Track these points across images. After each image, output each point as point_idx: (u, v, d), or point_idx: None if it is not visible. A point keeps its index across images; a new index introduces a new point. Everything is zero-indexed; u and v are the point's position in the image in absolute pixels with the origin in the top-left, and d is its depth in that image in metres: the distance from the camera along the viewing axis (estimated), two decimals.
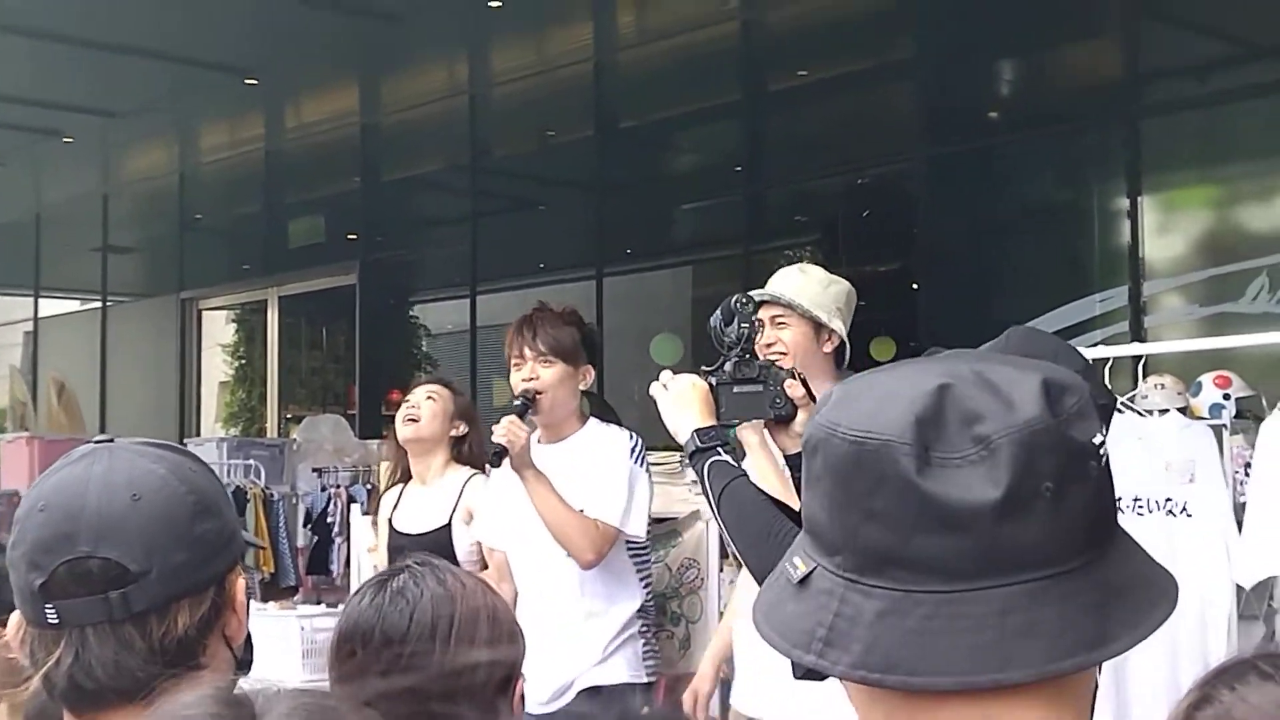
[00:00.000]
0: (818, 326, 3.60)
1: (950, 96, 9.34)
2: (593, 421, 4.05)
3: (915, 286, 9.52)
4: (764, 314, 3.62)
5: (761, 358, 3.36)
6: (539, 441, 4.01)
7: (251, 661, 1.65)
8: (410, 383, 4.74)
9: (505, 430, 3.79)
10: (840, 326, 3.63)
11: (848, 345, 3.64)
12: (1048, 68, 9.27)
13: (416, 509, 4.48)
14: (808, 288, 3.65)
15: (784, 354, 3.58)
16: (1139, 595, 1.07)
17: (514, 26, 10.25)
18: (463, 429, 4.53)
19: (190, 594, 1.54)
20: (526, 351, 3.93)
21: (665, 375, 2.70)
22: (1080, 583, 1.03)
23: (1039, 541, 1.02)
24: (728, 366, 2.73)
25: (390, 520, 4.53)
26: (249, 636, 1.64)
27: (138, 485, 1.54)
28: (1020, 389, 1.03)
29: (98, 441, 1.62)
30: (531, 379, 3.91)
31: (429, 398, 4.50)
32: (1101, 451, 1.05)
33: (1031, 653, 1.01)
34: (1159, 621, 1.07)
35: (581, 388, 4.00)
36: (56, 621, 1.52)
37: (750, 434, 3.51)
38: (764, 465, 3.42)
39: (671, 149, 11.67)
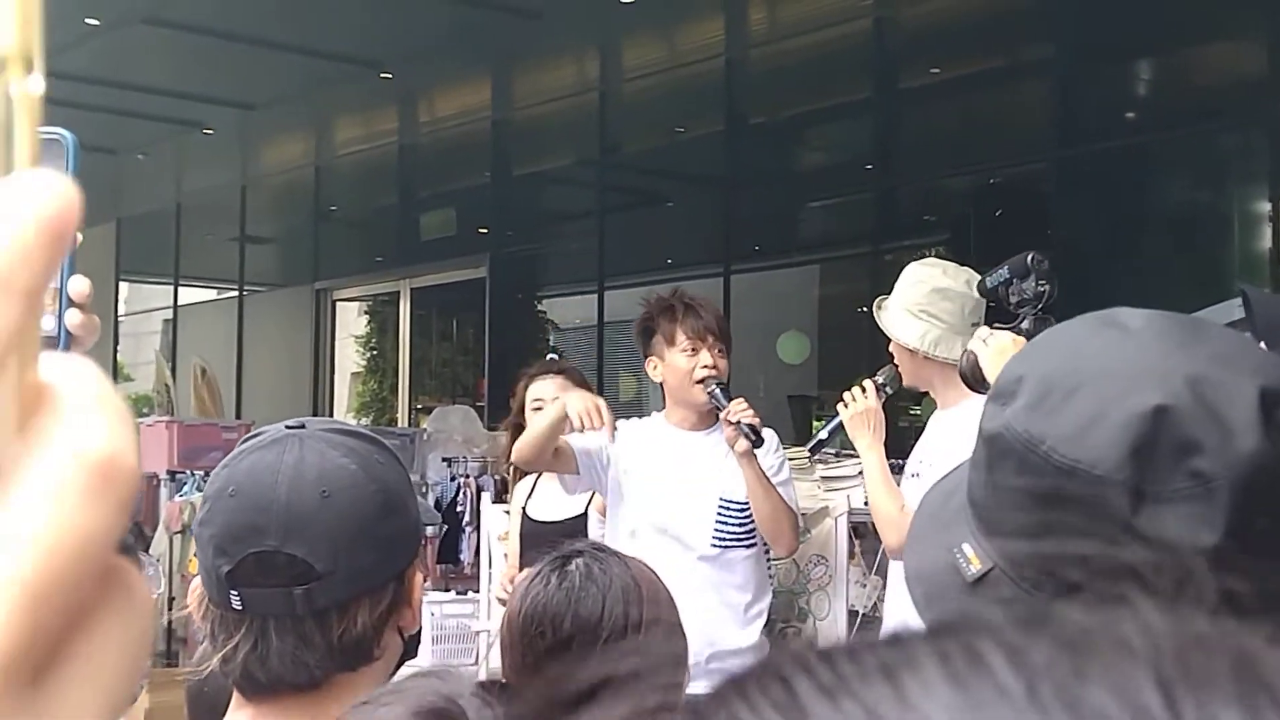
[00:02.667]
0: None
1: (1086, 95, 9.19)
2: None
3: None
4: None
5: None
6: (678, 427, 4.01)
7: (418, 647, 1.65)
8: (528, 371, 4.68)
9: (751, 410, 3.79)
10: (911, 332, 3.60)
11: (936, 342, 3.61)
12: (1187, 66, 9.09)
13: (551, 497, 4.51)
14: (897, 295, 3.69)
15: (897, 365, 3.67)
16: None
17: (646, 22, 10.28)
18: None
19: (371, 592, 1.55)
20: (709, 337, 3.91)
21: (983, 331, 2.70)
22: None
23: (1248, 580, 0.98)
24: (1025, 324, 2.68)
25: (524, 508, 4.55)
26: (420, 631, 1.64)
27: (328, 481, 1.54)
28: (1238, 406, 0.97)
29: (289, 427, 1.63)
30: (712, 368, 3.89)
31: None
32: None
33: None
34: None
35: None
36: (241, 608, 1.54)
37: (860, 437, 3.56)
38: (869, 466, 3.49)
39: (801, 146, 11.62)
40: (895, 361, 3.75)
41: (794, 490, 3.99)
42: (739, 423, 3.76)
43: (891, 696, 0.35)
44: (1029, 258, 2.79)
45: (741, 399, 3.82)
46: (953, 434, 3.65)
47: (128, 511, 0.38)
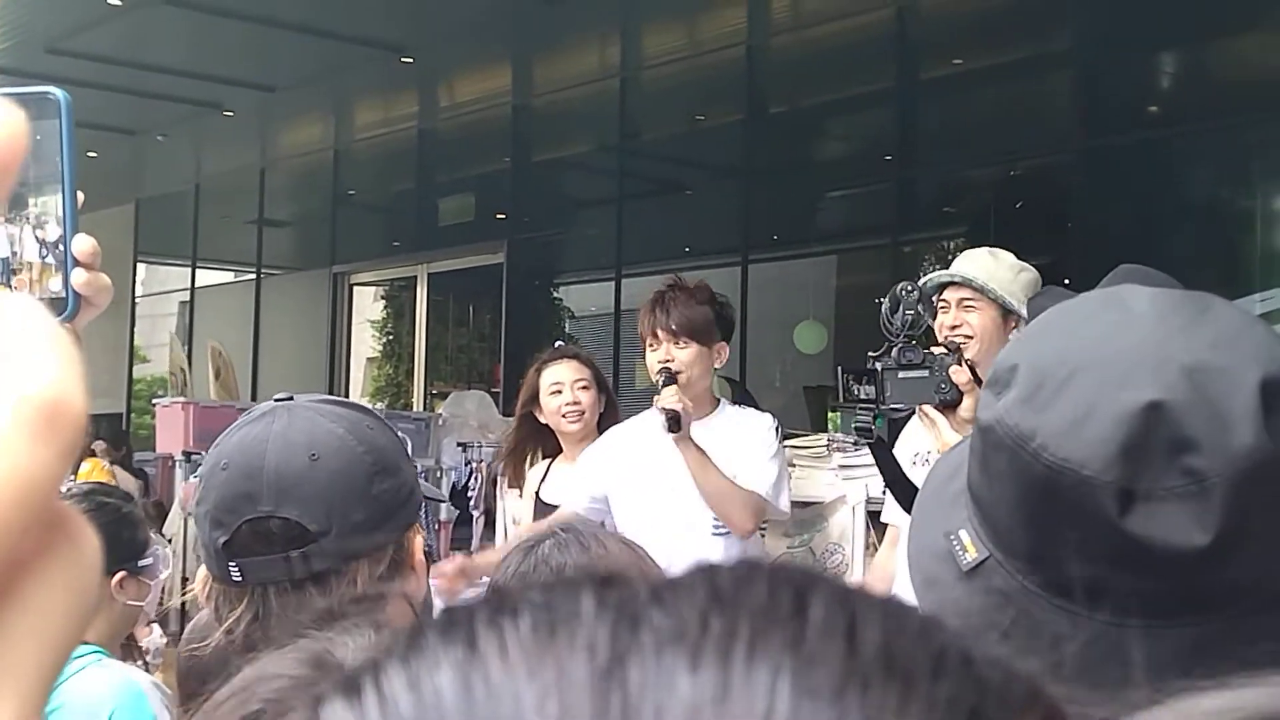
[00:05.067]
0: (1006, 312, 3.57)
1: (1108, 88, 9.15)
2: (725, 402, 4.06)
3: (1068, 281, 9.32)
4: (951, 295, 3.61)
5: (943, 338, 3.39)
6: None
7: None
8: (541, 357, 4.69)
9: (677, 396, 3.79)
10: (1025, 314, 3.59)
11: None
12: (1210, 60, 9.04)
13: (564, 481, 4.51)
14: (999, 273, 3.63)
15: (969, 337, 3.57)
16: None
17: (667, 9, 10.26)
18: (604, 402, 4.55)
19: (369, 553, 1.56)
20: (660, 333, 3.93)
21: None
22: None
23: (1242, 579, 0.95)
24: (893, 352, 2.75)
25: (537, 493, 4.57)
26: (429, 596, 1.65)
27: (316, 445, 1.56)
28: (1237, 399, 0.94)
29: (278, 399, 1.64)
30: (667, 360, 3.91)
31: (584, 387, 4.48)
32: None
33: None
34: None
35: (717, 365, 4.00)
36: (240, 579, 1.55)
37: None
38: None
39: (821, 135, 11.60)
40: (965, 332, 3.64)
41: (776, 477, 3.93)
42: (664, 409, 3.79)
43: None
44: (898, 288, 2.82)
45: (673, 387, 3.83)
46: None
47: (74, 455, 0.36)
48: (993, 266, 3.63)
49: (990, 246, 3.76)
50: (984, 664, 0.39)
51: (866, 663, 0.37)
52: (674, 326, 3.92)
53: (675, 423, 3.77)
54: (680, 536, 3.86)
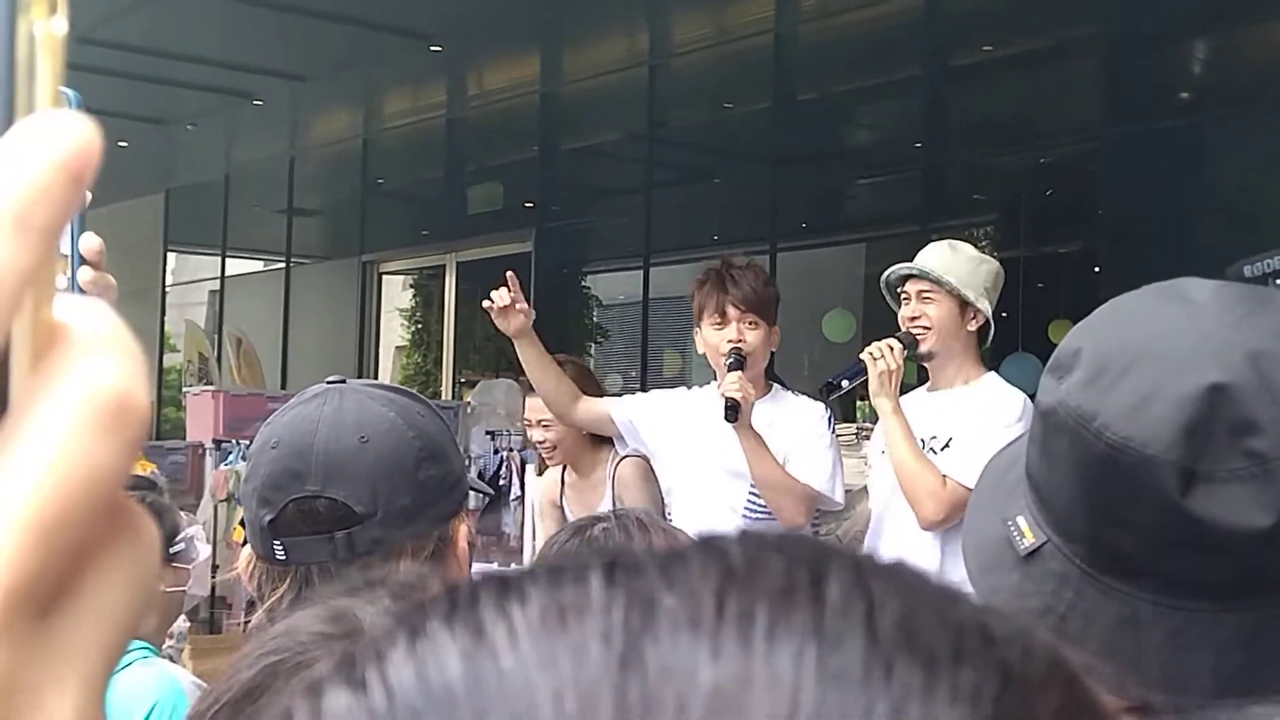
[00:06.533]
0: (964, 305, 3.65)
1: (1139, 74, 9.10)
2: (778, 387, 4.00)
3: (1097, 269, 9.31)
4: (911, 288, 3.71)
5: (904, 329, 3.46)
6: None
7: None
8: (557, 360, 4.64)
9: (739, 385, 3.68)
10: (986, 306, 3.66)
11: (992, 325, 3.67)
12: (1242, 45, 8.98)
13: (583, 500, 4.51)
14: (957, 265, 3.71)
15: (927, 328, 3.66)
16: None
17: None
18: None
19: (413, 537, 1.57)
20: (730, 310, 3.81)
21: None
22: None
23: None
24: None
25: (562, 507, 4.57)
26: None
27: (366, 427, 1.56)
28: None
29: (330, 382, 1.65)
30: (739, 340, 3.79)
31: (545, 426, 4.48)
32: None
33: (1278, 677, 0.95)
34: None
35: (773, 348, 3.96)
36: (284, 558, 1.57)
37: (885, 400, 3.58)
38: (895, 431, 3.50)
39: (850, 123, 11.56)
40: (923, 324, 3.73)
41: (831, 468, 3.89)
42: (726, 396, 3.73)
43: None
44: None
45: (739, 373, 3.73)
46: (979, 411, 3.62)
47: (138, 449, 0.38)
48: (951, 259, 3.72)
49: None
50: (1003, 641, 0.38)
51: (888, 644, 0.36)
52: (744, 304, 3.80)
53: (734, 411, 3.67)
54: (719, 517, 3.83)
